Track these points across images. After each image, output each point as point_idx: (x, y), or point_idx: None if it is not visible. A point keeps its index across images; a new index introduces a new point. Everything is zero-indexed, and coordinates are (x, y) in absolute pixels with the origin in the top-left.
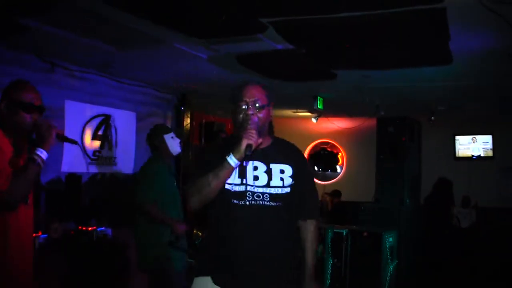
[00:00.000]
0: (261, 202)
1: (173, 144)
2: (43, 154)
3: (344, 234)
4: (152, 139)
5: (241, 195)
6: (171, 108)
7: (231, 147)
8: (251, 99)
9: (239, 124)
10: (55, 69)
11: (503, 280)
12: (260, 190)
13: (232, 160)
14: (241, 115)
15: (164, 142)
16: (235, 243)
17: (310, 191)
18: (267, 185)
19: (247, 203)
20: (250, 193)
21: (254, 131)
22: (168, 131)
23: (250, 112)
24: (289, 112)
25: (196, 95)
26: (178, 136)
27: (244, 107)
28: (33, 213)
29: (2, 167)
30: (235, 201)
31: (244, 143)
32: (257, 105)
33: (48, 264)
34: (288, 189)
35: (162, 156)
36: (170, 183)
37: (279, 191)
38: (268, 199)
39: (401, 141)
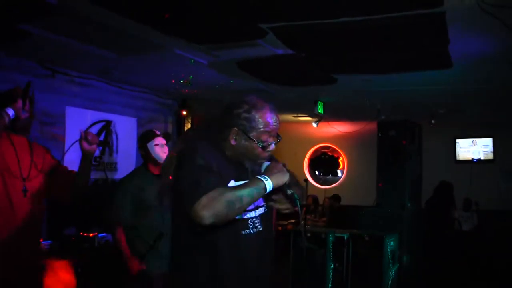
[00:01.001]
0: (257, 229)
1: (157, 151)
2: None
3: (345, 238)
4: (139, 149)
5: (244, 222)
6: (172, 113)
7: (255, 168)
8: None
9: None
10: (56, 76)
11: (505, 283)
12: (253, 214)
13: (269, 186)
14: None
15: (148, 151)
16: (242, 279)
17: None
18: (255, 207)
19: (251, 231)
20: (251, 220)
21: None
22: (150, 138)
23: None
24: (289, 117)
25: (196, 100)
26: (162, 141)
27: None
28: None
29: None
30: (242, 231)
31: (286, 177)
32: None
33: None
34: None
35: (148, 166)
36: (140, 192)
37: (262, 210)
38: (259, 223)
39: (402, 145)
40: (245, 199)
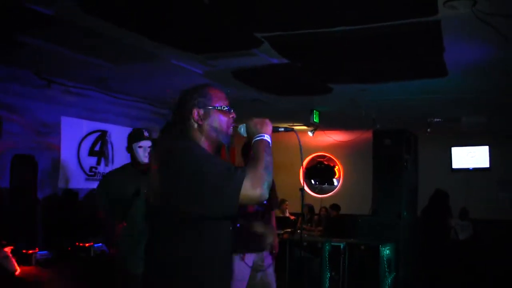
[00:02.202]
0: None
1: (140, 154)
2: None
3: (341, 247)
4: (127, 144)
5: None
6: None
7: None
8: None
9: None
10: (52, 85)
11: None
12: None
13: (269, 138)
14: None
15: (132, 151)
16: (225, 265)
17: None
18: None
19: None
20: None
21: None
22: (136, 139)
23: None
24: (285, 126)
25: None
26: (144, 142)
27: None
28: None
29: None
30: (230, 226)
31: (269, 123)
32: None
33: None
34: None
35: (133, 163)
36: (119, 189)
37: None
38: None
39: (398, 154)
40: (270, 159)
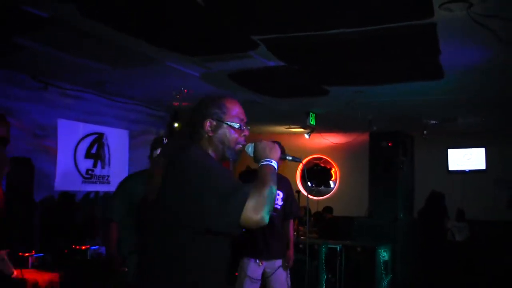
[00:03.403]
0: None
1: None
2: None
3: (338, 249)
4: (149, 149)
5: None
6: (164, 125)
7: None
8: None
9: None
10: (48, 88)
11: None
12: None
13: (276, 165)
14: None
15: (152, 157)
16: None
17: None
18: None
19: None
20: None
21: None
22: (156, 146)
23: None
24: (281, 128)
25: (189, 112)
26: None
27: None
28: None
29: None
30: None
31: (278, 149)
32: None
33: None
34: None
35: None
36: (138, 194)
37: None
38: None
39: (394, 156)
40: (275, 187)
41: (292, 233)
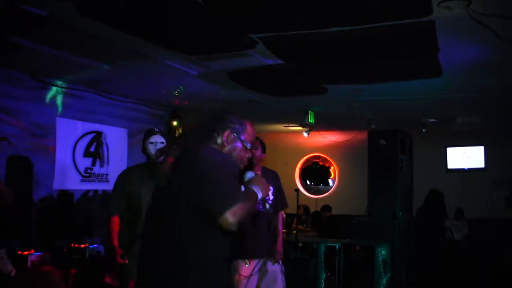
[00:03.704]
0: None
1: (151, 149)
2: None
3: (337, 247)
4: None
5: None
6: (163, 124)
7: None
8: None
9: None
10: (47, 87)
11: None
12: None
13: (260, 197)
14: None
15: (144, 148)
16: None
17: None
18: None
19: None
20: None
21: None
22: (147, 135)
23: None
24: (280, 127)
25: (187, 111)
26: (157, 139)
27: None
28: None
29: None
30: None
31: (270, 190)
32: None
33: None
34: None
35: (147, 162)
36: (134, 186)
37: None
38: None
39: (393, 154)
40: (253, 208)
41: (281, 225)
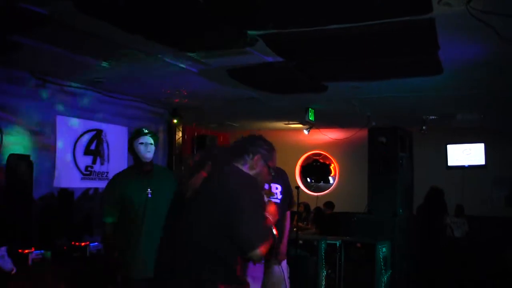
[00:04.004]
0: None
1: (141, 151)
2: None
3: (337, 245)
4: (128, 145)
5: None
6: (163, 122)
7: None
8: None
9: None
10: (47, 85)
11: None
12: None
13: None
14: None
15: (133, 149)
16: None
17: None
18: None
19: None
20: None
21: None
22: (136, 136)
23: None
24: (280, 124)
25: (188, 109)
26: (146, 139)
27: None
28: None
29: None
30: None
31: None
32: None
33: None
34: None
35: (135, 164)
36: (125, 190)
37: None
38: None
39: (393, 151)
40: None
41: (288, 225)
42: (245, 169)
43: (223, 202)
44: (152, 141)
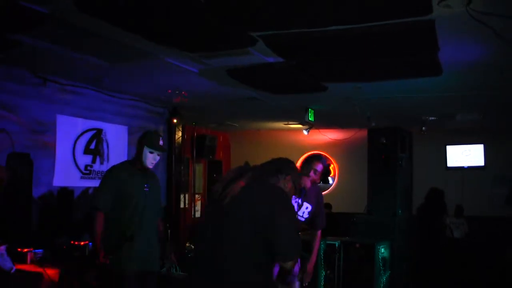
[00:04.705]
0: None
1: (148, 158)
2: None
3: (336, 245)
4: (138, 141)
5: None
6: (163, 121)
7: None
8: None
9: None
10: (47, 84)
11: None
12: None
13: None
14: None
15: (141, 152)
16: None
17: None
18: None
19: None
20: None
21: None
22: (150, 145)
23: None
24: (280, 125)
25: (187, 108)
26: (157, 152)
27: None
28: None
29: None
30: None
31: None
32: None
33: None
34: None
35: (135, 160)
36: (125, 183)
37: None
38: None
39: (393, 152)
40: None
41: (318, 244)
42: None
43: (264, 213)
44: (160, 155)
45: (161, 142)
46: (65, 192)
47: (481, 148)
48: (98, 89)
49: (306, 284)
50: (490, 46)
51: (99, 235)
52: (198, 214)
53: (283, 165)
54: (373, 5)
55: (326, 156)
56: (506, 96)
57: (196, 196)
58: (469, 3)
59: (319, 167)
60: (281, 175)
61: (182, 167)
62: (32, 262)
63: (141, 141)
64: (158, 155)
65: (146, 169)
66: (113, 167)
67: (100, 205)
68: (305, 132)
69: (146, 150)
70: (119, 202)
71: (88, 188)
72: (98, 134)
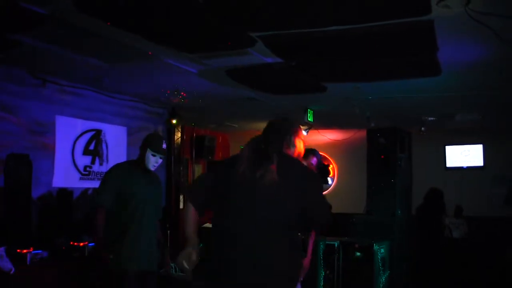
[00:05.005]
0: None
1: (150, 161)
2: None
3: (336, 246)
4: (142, 143)
5: None
6: (162, 122)
7: None
8: None
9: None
10: (46, 84)
11: None
12: None
13: None
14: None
15: (143, 154)
16: None
17: None
18: None
19: None
20: None
21: None
22: (153, 148)
23: None
24: None
25: (187, 109)
26: (160, 155)
27: None
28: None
29: None
30: None
31: None
32: None
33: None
34: None
35: (138, 161)
36: (127, 182)
37: None
38: None
39: (392, 152)
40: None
41: (312, 242)
42: (291, 150)
43: (303, 190)
44: (162, 159)
45: (164, 146)
46: (65, 193)
47: (480, 148)
48: (98, 90)
49: (302, 279)
50: (489, 46)
51: (101, 228)
52: None
53: (286, 125)
54: (372, 5)
55: (325, 156)
56: (506, 96)
57: None
58: (468, 3)
59: (314, 160)
60: (282, 144)
61: (181, 168)
62: (31, 263)
63: (145, 143)
64: (160, 158)
65: (148, 170)
66: (115, 166)
67: (104, 202)
68: (304, 133)
69: (148, 153)
70: (120, 201)
71: (87, 189)
72: (97, 135)
